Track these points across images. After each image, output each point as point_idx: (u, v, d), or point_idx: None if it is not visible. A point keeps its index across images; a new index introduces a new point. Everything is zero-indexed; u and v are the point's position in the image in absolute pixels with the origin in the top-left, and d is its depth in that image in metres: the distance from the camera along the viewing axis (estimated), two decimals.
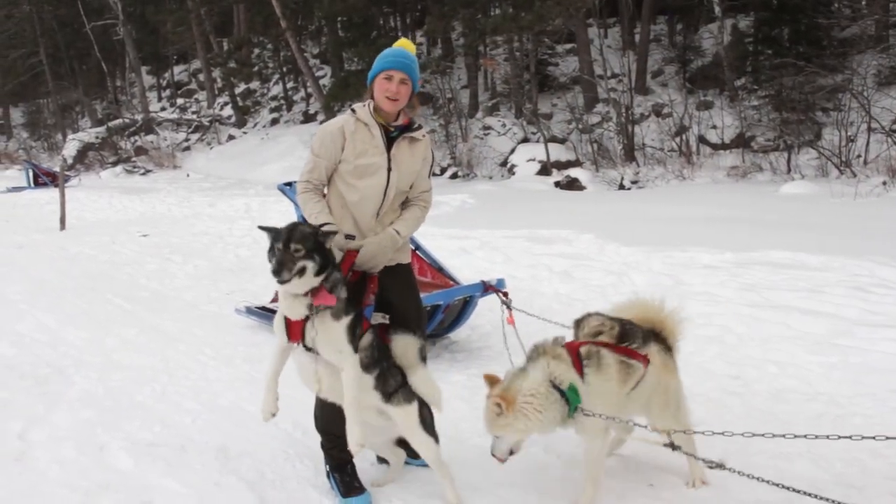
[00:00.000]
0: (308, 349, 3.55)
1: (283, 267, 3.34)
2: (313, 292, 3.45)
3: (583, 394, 3.45)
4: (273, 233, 3.48)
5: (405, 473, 4.09)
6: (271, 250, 3.44)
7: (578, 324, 3.85)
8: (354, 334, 3.53)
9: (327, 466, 3.96)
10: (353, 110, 3.92)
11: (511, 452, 3.58)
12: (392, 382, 3.67)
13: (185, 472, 4.14)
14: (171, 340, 6.82)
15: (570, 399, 3.42)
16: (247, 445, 4.48)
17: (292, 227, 3.47)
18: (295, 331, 3.54)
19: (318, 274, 3.41)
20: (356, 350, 3.52)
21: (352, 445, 3.47)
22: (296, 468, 4.21)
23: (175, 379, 5.74)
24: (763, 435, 3.39)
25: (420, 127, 4.02)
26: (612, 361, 3.57)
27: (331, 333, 3.47)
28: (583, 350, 3.58)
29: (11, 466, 4.21)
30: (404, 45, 3.94)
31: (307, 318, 3.48)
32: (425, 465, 3.99)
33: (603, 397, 3.49)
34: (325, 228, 3.64)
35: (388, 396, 3.65)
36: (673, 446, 3.38)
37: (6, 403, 5.18)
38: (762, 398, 5.03)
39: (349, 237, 3.84)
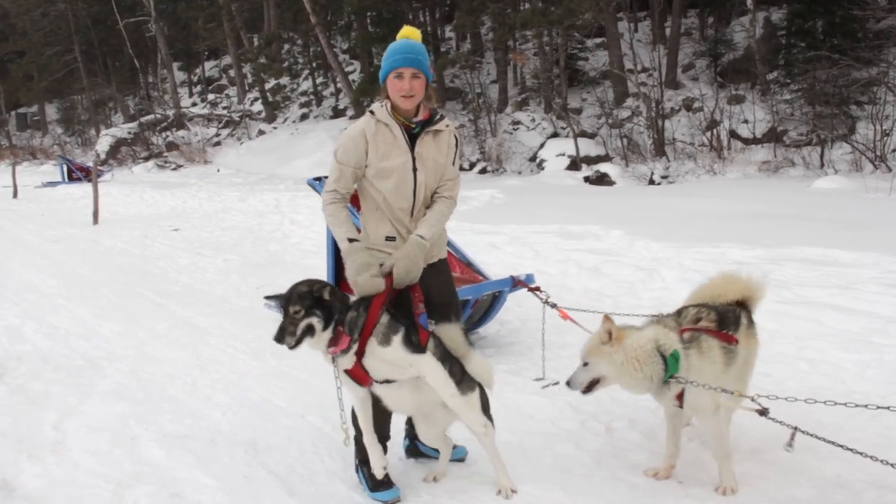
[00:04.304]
0: (383, 381, 3.59)
1: (283, 333, 3.38)
2: (331, 342, 3.47)
3: (683, 370, 3.59)
4: (277, 300, 3.52)
5: (434, 468, 4.08)
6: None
7: (678, 314, 3.98)
8: (413, 343, 3.53)
9: (356, 460, 3.97)
10: (371, 112, 3.83)
11: (588, 388, 3.71)
12: (457, 371, 3.71)
13: (214, 465, 4.18)
14: (203, 334, 6.90)
15: (669, 365, 3.58)
16: (276, 439, 4.52)
17: (290, 291, 3.49)
18: (359, 374, 3.56)
19: (326, 327, 3.43)
20: (424, 351, 3.54)
21: (480, 428, 3.67)
22: (324, 462, 4.23)
23: (206, 372, 5.80)
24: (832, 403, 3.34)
25: (442, 117, 3.93)
26: (714, 345, 3.73)
27: (390, 358, 3.50)
28: (685, 335, 3.73)
29: (47, 456, 4.29)
30: (409, 34, 3.80)
31: (361, 357, 3.51)
32: (457, 460, 4.06)
33: (704, 378, 3.60)
34: (351, 248, 3.71)
35: (456, 386, 3.69)
36: (762, 412, 3.46)
37: (42, 395, 5.28)
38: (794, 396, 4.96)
39: (390, 238, 3.83)
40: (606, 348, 3.65)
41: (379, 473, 3.72)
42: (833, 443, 3.25)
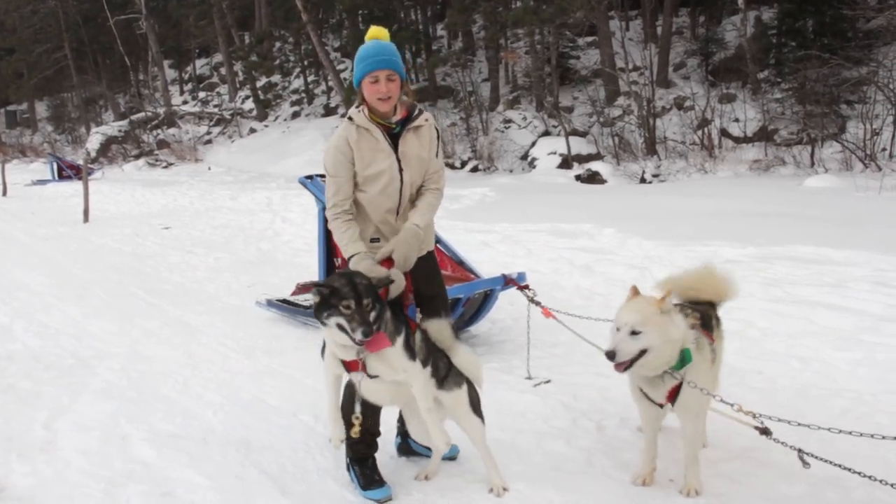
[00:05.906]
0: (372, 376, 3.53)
1: (370, 326, 3.25)
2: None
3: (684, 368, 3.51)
4: (331, 290, 3.31)
5: (426, 466, 4.08)
6: (332, 308, 3.28)
7: None
8: (411, 349, 3.51)
9: (348, 459, 3.96)
10: (350, 118, 3.81)
11: (630, 363, 3.39)
12: (442, 367, 3.70)
13: (206, 464, 4.17)
14: (194, 333, 6.88)
15: (678, 358, 3.46)
16: (268, 438, 4.51)
17: (354, 283, 3.32)
18: (354, 364, 3.48)
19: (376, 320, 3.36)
20: (415, 359, 3.52)
21: (441, 447, 3.61)
22: (316, 461, 4.22)
23: (197, 371, 5.78)
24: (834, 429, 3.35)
25: (421, 112, 3.93)
26: (706, 345, 3.68)
27: (391, 361, 3.46)
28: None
29: (37, 455, 4.27)
30: (377, 34, 3.78)
31: None
32: (449, 459, 4.06)
33: (700, 377, 3.55)
34: (354, 260, 3.70)
35: (441, 382, 3.68)
36: (763, 431, 3.32)
37: (32, 394, 5.26)
38: (785, 394, 4.97)
39: (374, 240, 3.85)
40: (667, 320, 3.37)
41: (336, 445, 3.68)
42: (830, 462, 3.23)
